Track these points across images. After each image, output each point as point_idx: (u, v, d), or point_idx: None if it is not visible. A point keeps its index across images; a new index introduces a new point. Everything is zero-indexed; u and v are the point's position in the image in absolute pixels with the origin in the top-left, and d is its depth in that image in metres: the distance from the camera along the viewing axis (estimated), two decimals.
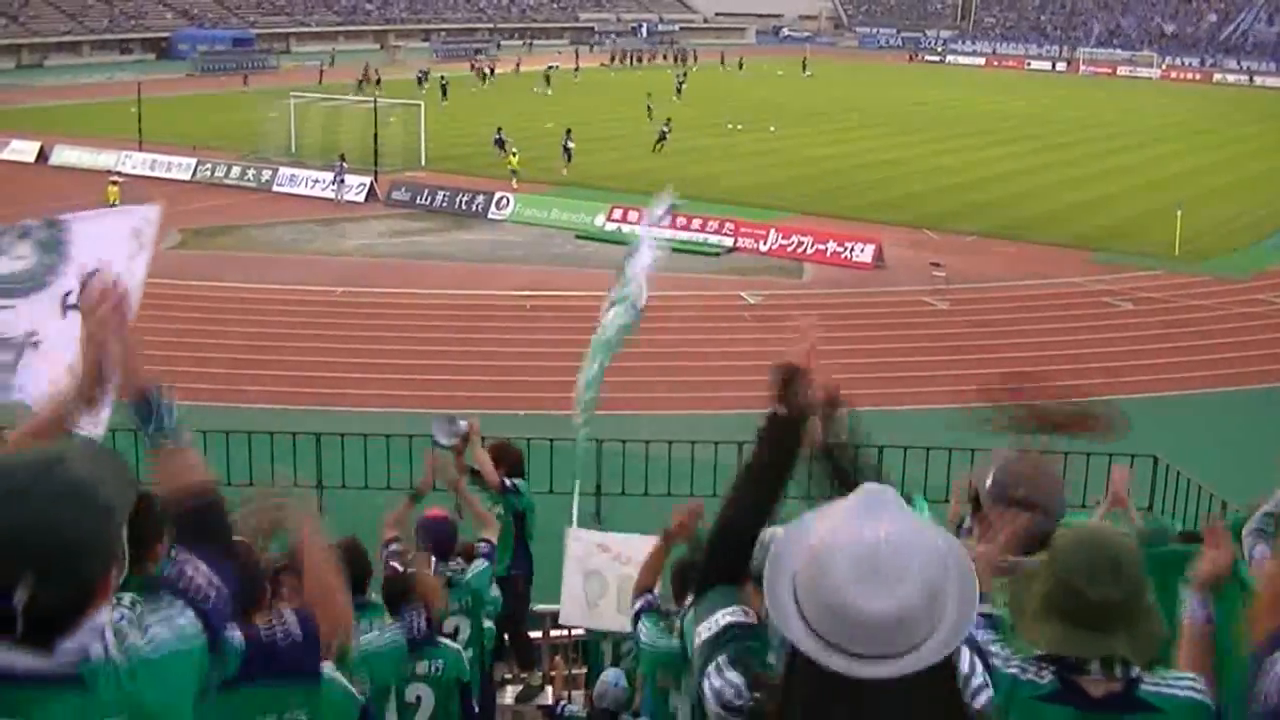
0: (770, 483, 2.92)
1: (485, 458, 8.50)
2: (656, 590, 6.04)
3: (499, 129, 51.12)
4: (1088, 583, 3.04)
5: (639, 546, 8.58)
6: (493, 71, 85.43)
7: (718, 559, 2.85)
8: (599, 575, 8.26)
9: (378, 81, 72.40)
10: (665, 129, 54.05)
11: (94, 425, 3.27)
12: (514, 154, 45.62)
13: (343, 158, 43.94)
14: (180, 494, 2.67)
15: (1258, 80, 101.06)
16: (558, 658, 9.16)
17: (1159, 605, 3.18)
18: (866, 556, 2.07)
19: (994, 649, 3.17)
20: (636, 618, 5.90)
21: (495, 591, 8.25)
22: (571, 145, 47.86)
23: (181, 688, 2.37)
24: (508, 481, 10.04)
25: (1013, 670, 3.14)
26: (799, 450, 2.96)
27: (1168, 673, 3.13)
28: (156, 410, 2.70)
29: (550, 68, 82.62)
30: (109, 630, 2.29)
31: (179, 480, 2.69)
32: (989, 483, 3.86)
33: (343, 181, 43.12)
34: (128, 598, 3.28)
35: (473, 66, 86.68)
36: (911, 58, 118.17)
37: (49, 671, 2.21)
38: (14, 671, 2.18)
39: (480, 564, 7.64)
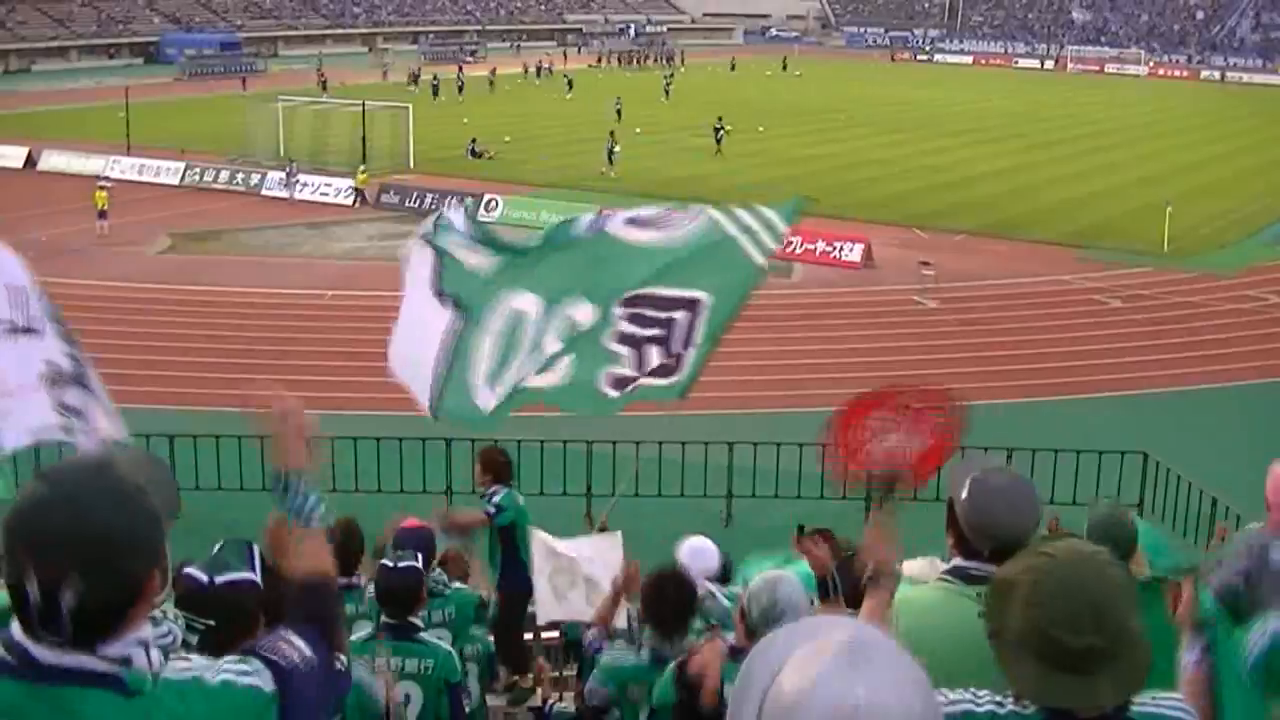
0: None
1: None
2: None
3: (473, 139, 51.56)
4: (1069, 632, 2.86)
5: (587, 546, 8.68)
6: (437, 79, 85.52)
7: None
8: (564, 570, 8.33)
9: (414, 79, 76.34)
10: (719, 127, 54.47)
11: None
12: (362, 171, 44.23)
13: (291, 160, 44.18)
14: (298, 576, 2.91)
15: (1245, 77, 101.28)
16: (541, 659, 9.16)
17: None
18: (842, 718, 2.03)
19: (958, 694, 3.03)
20: (596, 649, 5.95)
21: (480, 631, 8.23)
22: (617, 149, 48.18)
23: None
24: (491, 499, 10.13)
25: (989, 708, 2.97)
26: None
27: (1157, 693, 3.04)
28: (295, 493, 2.97)
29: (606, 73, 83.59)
30: (153, 647, 2.40)
31: (300, 563, 2.92)
32: (964, 496, 3.87)
33: (295, 181, 43.24)
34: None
35: (461, 67, 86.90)
36: (893, 57, 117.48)
37: (93, 670, 2.30)
38: (60, 667, 2.28)
39: (466, 588, 7.64)
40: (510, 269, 7.66)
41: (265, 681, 2.52)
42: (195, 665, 2.46)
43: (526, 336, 7.55)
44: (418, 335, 7.76)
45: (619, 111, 61.41)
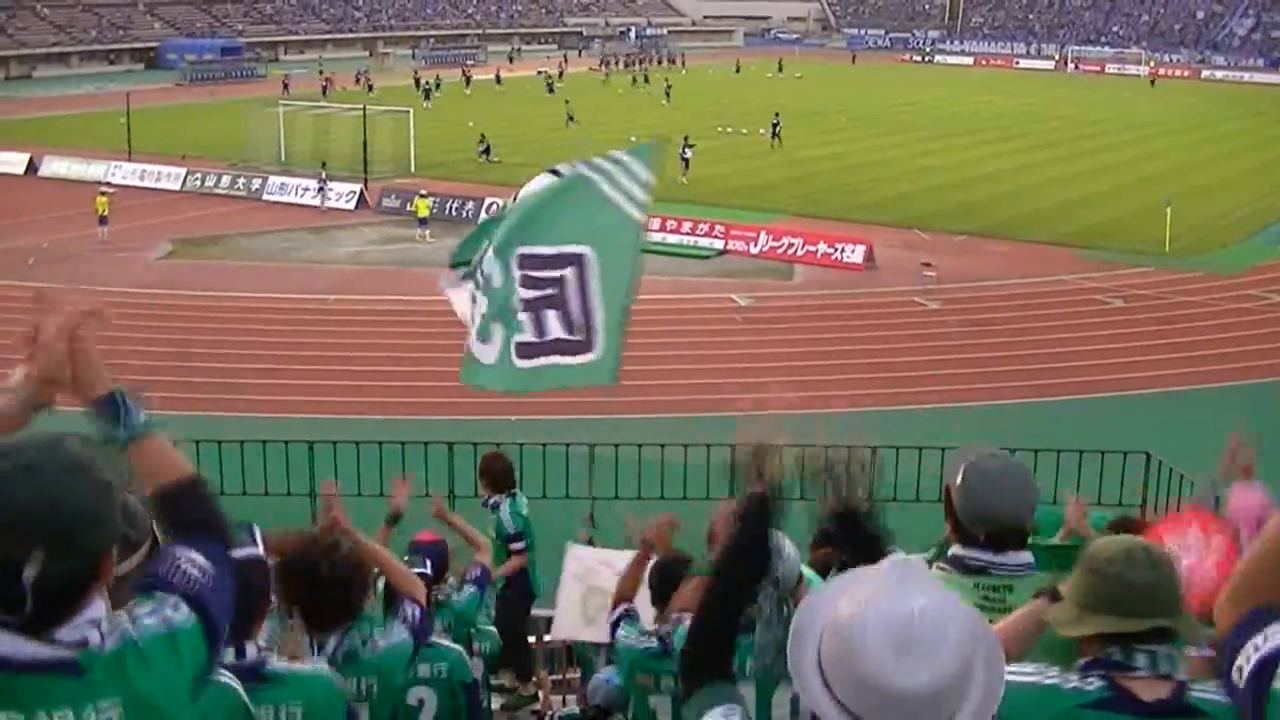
0: (748, 564, 2.91)
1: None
2: (635, 601, 6.07)
3: (484, 139, 51.71)
4: (1127, 567, 2.98)
5: (624, 559, 8.57)
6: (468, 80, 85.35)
7: (704, 647, 2.83)
8: (600, 591, 8.14)
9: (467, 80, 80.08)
10: (776, 122, 56.15)
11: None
12: (423, 195, 40.35)
13: (324, 165, 44.09)
14: (162, 488, 2.67)
15: (1246, 77, 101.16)
16: (543, 672, 9.09)
17: None
18: (900, 631, 2.07)
19: (1023, 668, 3.10)
20: (615, 625, 5.92)
21: (489, 626, 8.10)
22: (689, 155, 47.46)
23: (172, 673, 2.39)
24: (496, 503, 10.02)
25: (1052, 681, 3.04)
26: (771, 528, 2.97)
27: (1210, 682, 3.07)
28: (120, 413, 2.65)
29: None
30: (105, 621, 2.34)
31: (158, 476, 2.67)
32: (958, 481, 3.86)
33: (325, 189, 43.22)
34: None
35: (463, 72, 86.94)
36: (854, 59, 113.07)
37: (48, 660, 2.24)
38: (13, 660, 2.21)
39: (469, 590, 7.56)
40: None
41: (179, 612, 2.43)
42: (120, 624, 2.37)
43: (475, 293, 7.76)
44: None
45: (570, 116, 62.34)
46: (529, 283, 7.55)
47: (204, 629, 2.47)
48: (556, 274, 7.53)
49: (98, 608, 2.34)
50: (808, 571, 5.31)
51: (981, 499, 3.80)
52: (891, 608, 2.10)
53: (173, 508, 2.67)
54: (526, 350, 7.55)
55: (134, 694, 2.32)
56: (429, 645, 6.42)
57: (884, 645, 2.07)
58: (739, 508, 2.93)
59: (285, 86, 71.29)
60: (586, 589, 8.22)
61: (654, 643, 5.70)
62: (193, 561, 2.53)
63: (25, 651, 2.22)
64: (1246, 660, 2.86)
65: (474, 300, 7.84)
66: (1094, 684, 2.99)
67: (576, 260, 7.51)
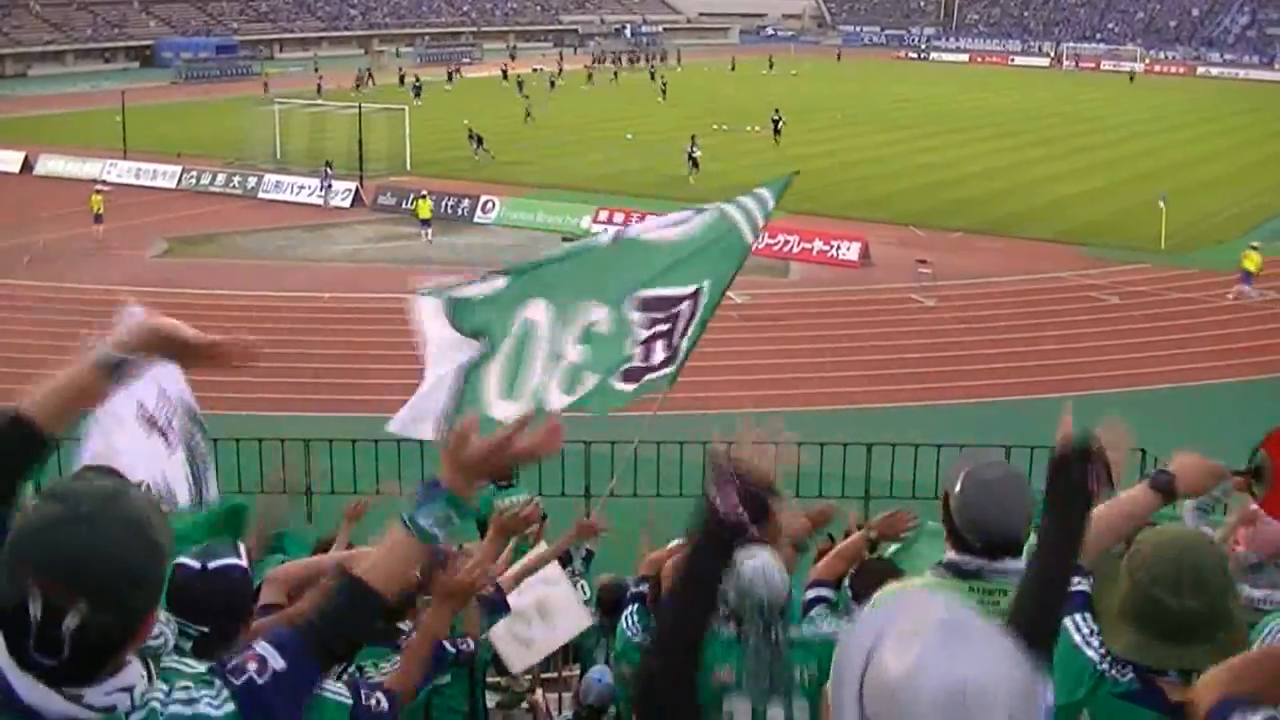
0: (698, 600, 2.74)
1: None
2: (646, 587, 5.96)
3: (472, 131, 51.55)
4: (1169, 593, 2.98)
5: (532, 556, 8.43)
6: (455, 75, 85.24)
7: (665, 693, 2.69)
8: (519, 614, 8.00)
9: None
10: (776, 119, 56.57)
11: None
12: (423, 196, 39.47)
13: (329, 164, 43.98)
14: (358, 571, 2.62)
15: (1241, 73, 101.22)
16: (536, 670, 9.03)
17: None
18: (953, 702, 2.03)
19: (1094, 642, 3.20)
20: (629, 604, 5.84)
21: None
22: (697, 154, 47.37)
23: None
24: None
25: (1104, 666, 3.16)
26: (726, 563, 2.72)
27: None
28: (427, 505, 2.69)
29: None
30: (138, 690, 2.32)
31: (370, 567, 2.63)
32: (956, 489, 3.85)
33: (329, 187, 43.14)
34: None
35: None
36: (839, 56, 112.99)
37: (77, 718, 2.22)
38: (42, 713, 2.20)
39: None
40: (520, 282, 7.73)
41: (217, 707, 2.37)
42: (150, 698, 2.34)
43: (541, 346, 7.58)
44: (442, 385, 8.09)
45: (528, 112, 62.74)
46: (650, 324, 7.74)
47: None
48: (674, 311, 7.81)
49: (132, 674, 2.31)
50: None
51: (978, 508, 3.80)
52: (943, 674, 2.05)
53: (334, 596, 2.61)
54: (632, 374, 7.78)
55: None
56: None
57: (933, 714, 2.03)
58: (693, 536, 2.73)
59: (265, 86, 70.74)
60: (507, 622, 8.06)
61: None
62: (262, 659, 2.45)
63: (55, 707, 2.20)
64: None
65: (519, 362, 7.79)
66: (1127, 675, 3.10)
67: (694, 296, 7.85)
